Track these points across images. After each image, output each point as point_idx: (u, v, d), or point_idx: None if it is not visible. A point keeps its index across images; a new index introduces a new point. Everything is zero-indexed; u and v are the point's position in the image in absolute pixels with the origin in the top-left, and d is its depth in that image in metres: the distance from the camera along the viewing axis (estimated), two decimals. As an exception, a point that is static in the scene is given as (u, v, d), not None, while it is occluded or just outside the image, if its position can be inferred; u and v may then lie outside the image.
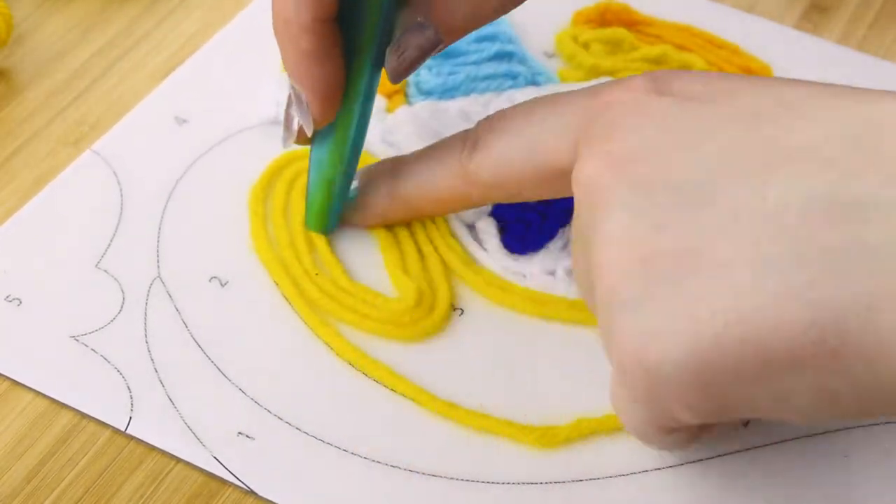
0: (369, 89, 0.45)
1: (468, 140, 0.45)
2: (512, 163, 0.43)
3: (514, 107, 0.44)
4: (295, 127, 0.46)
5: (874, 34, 0.58)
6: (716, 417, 0.38)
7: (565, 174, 0.41)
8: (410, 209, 0.48)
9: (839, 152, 0.35)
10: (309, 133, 0.45)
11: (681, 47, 0.56)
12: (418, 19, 0.43)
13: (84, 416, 0.44)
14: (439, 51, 0.44)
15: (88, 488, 0.42)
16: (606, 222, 0.38)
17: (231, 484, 0.42)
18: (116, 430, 0.44)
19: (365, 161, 0.49)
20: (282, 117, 0.52)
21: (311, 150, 0.47)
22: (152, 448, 0.43)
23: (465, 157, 0.45)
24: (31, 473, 0.43)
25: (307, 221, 0.48)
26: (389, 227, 0.49)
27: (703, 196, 0.37)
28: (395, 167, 0.47)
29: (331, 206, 0.48)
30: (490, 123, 0.45)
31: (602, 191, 0.38)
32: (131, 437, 0.43)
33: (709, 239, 0.36)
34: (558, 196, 0.43)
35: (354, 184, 0.48)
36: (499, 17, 0.45)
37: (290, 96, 0.45)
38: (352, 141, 0.46)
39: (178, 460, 0.43)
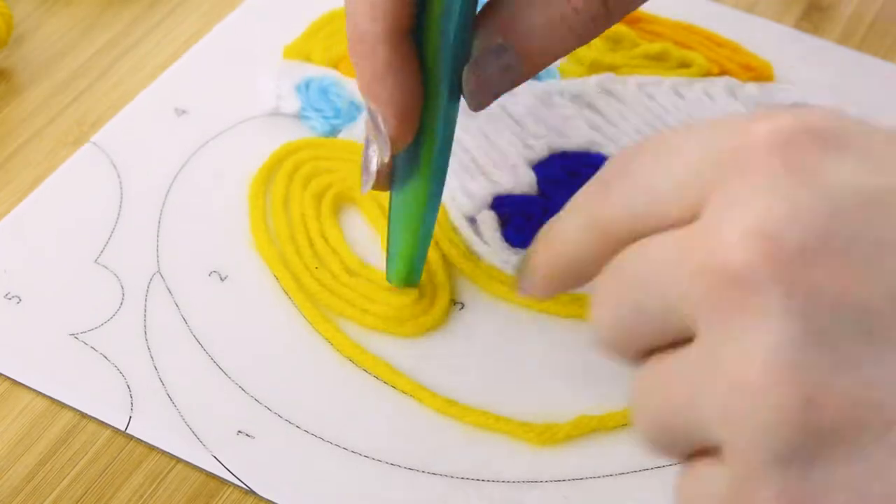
0: (448, 117, 0.43)
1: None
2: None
3: (648, 141, 0.33)
4: (374, 167, 0.43)
5: (874, 34, 0.58)
6: None
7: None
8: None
9: None
10: (386, 158, 0.42)
11: (681, 44, 0.56)
12: (498, 41, 0.41)
13: (84, 415, 0.44)
14: (523, 80, 0.42)
15: (88, 488, 0.42)
16: (762, 340, 0.28)
17: (231, 484, 0.42)
18: (116, 430, 0.43)
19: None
20: (283, 109, 0.52)
21: (391, 197, 0.45)
22: (152, 448, 0.43)
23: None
24: (31, 473, 0.42)
25: (390, 275, 0.46)
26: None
27: (886, 331, 0.28)
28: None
29: (418, 253, 0.45)
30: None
31: (755, 290, 0.28)
32: (131, 437, 0.43)
33: (891, 395, 0.28)
34: None
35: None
36: (581, 42, 0.41)
37: (366, 139, 0.43)
38: (434, 178, 0.43)
39: (178, 460, 0.43)
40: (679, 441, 0.31)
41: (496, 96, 0.42)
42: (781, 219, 0.28)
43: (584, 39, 0.42)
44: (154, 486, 0.42)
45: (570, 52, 0.42)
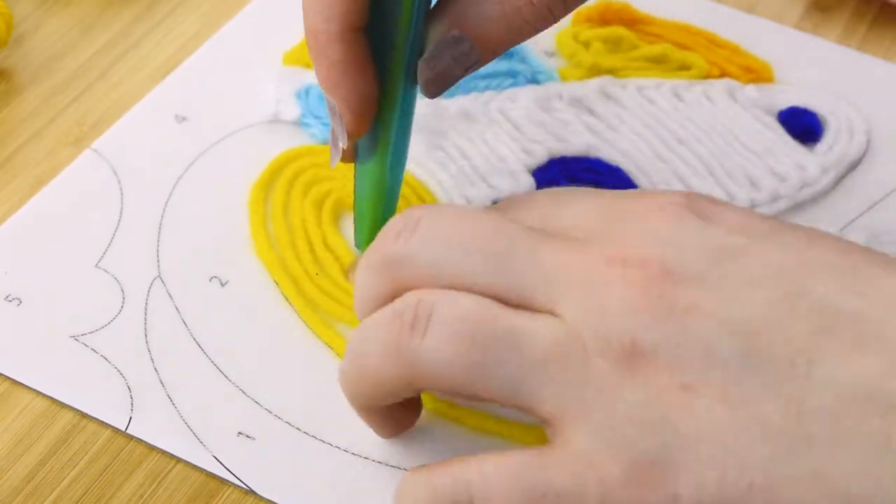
0: (405, 102, 0.44)
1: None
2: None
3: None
4: (341, 145, 0.45)
5: (874, 34, 0.58)
6: None
7: None
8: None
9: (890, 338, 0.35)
10: (344, 146, 0.44)
11: (681, 46, 0.56)
12: (453, 32, 0.43)
13: (84, 415, 0.44)
14: (476, 68, 0.43)
15: (88, 488, 0.42)
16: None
17: (231, 484, 0.42)
18: (116, 430, 0.43)
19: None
20: (283, 116, 0.52)
21: (355, 169, 0.46)
22: (152, 448, 0.43)
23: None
24: (31, 473, 0.42)
25: (357, 242, 0.47)
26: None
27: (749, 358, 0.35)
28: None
29: (380, 223, 0.46)
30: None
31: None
32: (131, 437, 0.43)
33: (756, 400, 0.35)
34: None
35: None
36: (536, 32, 0.43)
37: (334, 117, 0.45)
38: (392, 157, 0.45)
39: (179, 460, 0.43)
40: None
41: (451, 84, 0.44)
42: (657, 257, 0.37)
43: (539, 28, 0.43)
44: (154, 486, 0.42)
45: (527, 39, 0.43)
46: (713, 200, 0.39)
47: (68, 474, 0.42)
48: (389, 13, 0.42)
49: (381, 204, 0.45)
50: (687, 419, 0.35)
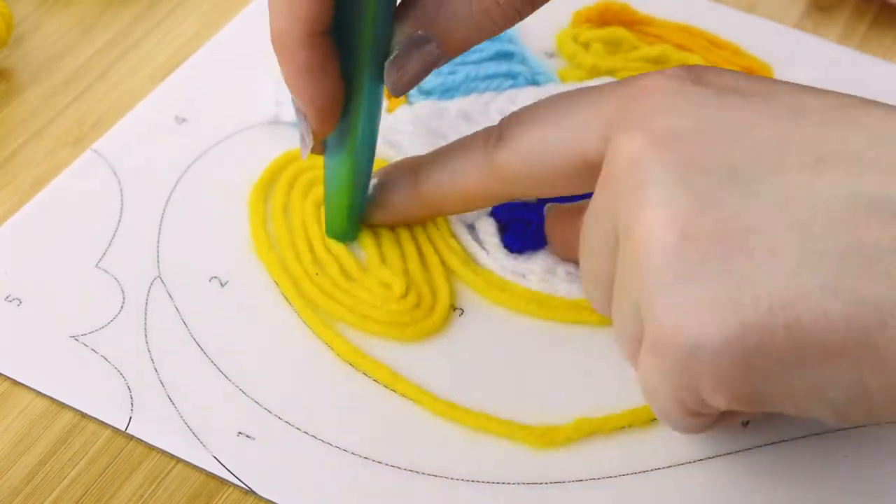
0: (371, 102, 0.45)
1: (492, 133, 0.44)
2: (541, 155, 0.42)
3: (542, 100, 0.44)
4: (309, 141, 0.45)
5: (874, 34, 0.58)
6: (747, 405, 0.38)
7: (595, 166, 0.40)
8: (432, 206, 0.47)
9: (883, 157, 0.36)
10: (309, 146, 0.45)
11: (681, 47, 0.56)
12: (419, 32, 0.43)
13: (84, 416, 0.44)
14: (440, 65, 0.44)
15: (88, 488, 0.42)
16: (648, 199, 0.37)
17: (231, 484, 0.42)
18: (116, 430, 0.43)
19: (376, 164, 0.49)
20: (282, 117, 0.52)
21: (324, 162, 0.47)
22: (152, 448, 0.43)
23: (489, 151, 0.44)
24: (31, 473, 0.42)
25: (327, 230, 0.48)
26: (387, 227, 0.49)
27: (748, 182, 0.37)
28: (416, 164, 0.47)
29: (348, 215, 0.47)
30: (516, 116, 0.44)
31: (644, 168, 0.38)
32: (131, 437, 0.43)
33: (755, 224, 0.36)
34: (584, 191, 0.43)
35: (374, 181, 0.48)
36: (501, 31, 0.44)
37: (297, 112, 0.45)
38: (359, 154, 0.46)
39: (179, 460, 0.43)
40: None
41: (416, 83, 0.44)
42: (661, 119, 0.38)
43: (505, 27, 0.44)
44: (154, 486, 0.42)
45: (492, 37, 0.44)
46: (707, 68, 0.41)
47: (68, 474, 0.42)
48: (353, 15, 0.43)
49: (348, 196, 0.46)
50: None
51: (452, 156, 0.46)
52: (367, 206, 0.48)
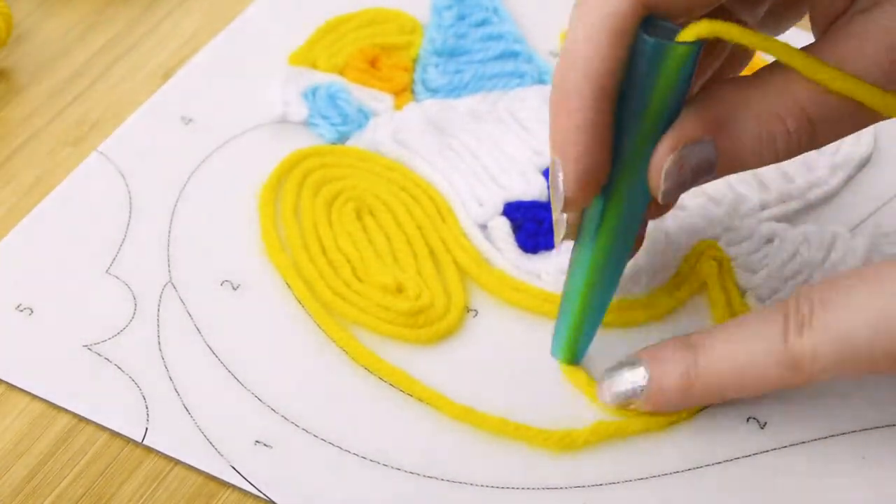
0: (636, 190, 0.40)
1: (791, 320, 0.39)
2: (865, 343, 0.37)
3: (850, 273, 0.39)
4: (561, 185, 0.40)
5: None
6: None
7: None
8: (712, 394, 0.41)
9: None
10: (557, 215, 0.41)
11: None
12: (704, 137, 0.39)
13: (84, 416, 0.43)
14: (706, 180, 0.40)
15: (88, 488, 0.41)
16: None
17: (231, 484, 0.41)
18: (116, 431, 0.42)
19: (377, 161, 0.47)
20: (290, 117, 0.51)
21: (570, 255, 0.43)
22: (151, 448, 0.42)
23: (792, 341, 0.39)
24: (31, 473, 0.41)
25: (554, 349, 0.44)
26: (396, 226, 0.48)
27: None
28: (691, 350, 0.41)
29: (582, 323, 0.43)
30: (819, 299, 0.39)
31: None
32: (130, 438, 0.42)
33: None
34: None
35: (641, 366, 0.42)
36: (774, 162, 0.40)
37: (552, 167, 0.41)
38: (613, 246, 0.41)
39: (178, 461, 0.41)
40: None
41: (685, 191, 0.40)
42: None
43: (781, 160, 0.40)
44: (154, 486, 0.41)
45: (759, 167, 0.40)
46: None
47: (68, 474, 0.41)
48: (643, 87, 0.38)
49: (588, 298, 0.42)
50: None
51: (742, 338, 0.40)
52: (631, 399, 0.42)
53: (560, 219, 0.41)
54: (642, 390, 0.41)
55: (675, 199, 0.40)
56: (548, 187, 0.41)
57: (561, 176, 0.39)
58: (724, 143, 0.39)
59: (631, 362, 0.42)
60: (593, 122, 0.38)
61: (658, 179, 0.39)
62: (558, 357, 0.44)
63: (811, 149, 0.39)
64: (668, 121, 0.39)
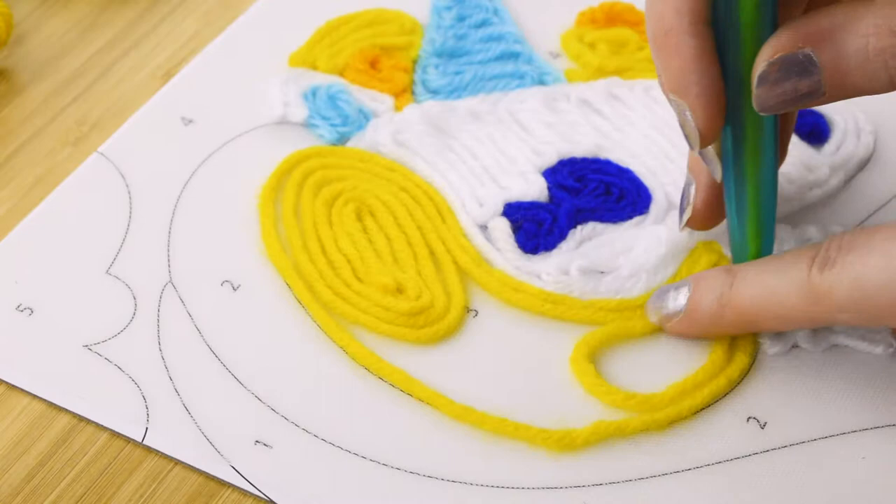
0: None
1: (818, 257, 0.40)
2: (876, 287, 0.38)
3: (876, 226, 0.40)
4: (691, 199, 0.43)
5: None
6: None
7: None
8: (743, 321, 0.43)
9: None
10: (696, 150, 0.42)
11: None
12: (803, 50, 0.39)
13: (83, 416, 0.43)
14: (815, 104, 0.39)
15: (88, 488, 0.41)
16: None
17: (230, 484, 0.41)
18: (116, 430, 0.42)
19: (377, 162, 0.47)
20: (290, 117, 0.51)
21: (726, 205, 0.44)
22: (151, 448, 0.42)
23: (814, 275, 0.40)
24: (31, 473, 0.41)
25: (737, 254, 0.45)
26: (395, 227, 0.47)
27: None
28: (730, 275, 0.43)
29: (764, 238, 0.44)
30: (847, 242, 0.40)
31: None
32: (130, 438, 0.42)
33: None
34: None
35: (684, 286, 0.44)
36: (885, 90, 0.39)
37: (686, 182, 0.44)
38: (761, 162, 0.42)
39: (178, 461, 0.41)
40: None
41: (784, 109, 0.40)
42: None
43: (890, 88, 0.39)
44: (154, 486, 0.41)
45: (873, 92, 0.39)
46: None
47: (68, 474, 0.41)
48: (732, 9, 0.40)
49: (759, 218, 0.43)
50: None
51: (772, 271, 0.42)
52: (670, 315, 0.44)
53: (706, 154, 0.42)
54: (683, 307, 0.43)
55: (779, 112, 0.40)
56: (687, 181, 0.43)
57: (689, 114, 0.40)
58: (825, 56, 0.38)
59: (678, 284, 0.44)
60: (700, 49, 0.40)
61: (754, 85, 0.40)
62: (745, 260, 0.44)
63: None
64: (764, 38, 0.40)
